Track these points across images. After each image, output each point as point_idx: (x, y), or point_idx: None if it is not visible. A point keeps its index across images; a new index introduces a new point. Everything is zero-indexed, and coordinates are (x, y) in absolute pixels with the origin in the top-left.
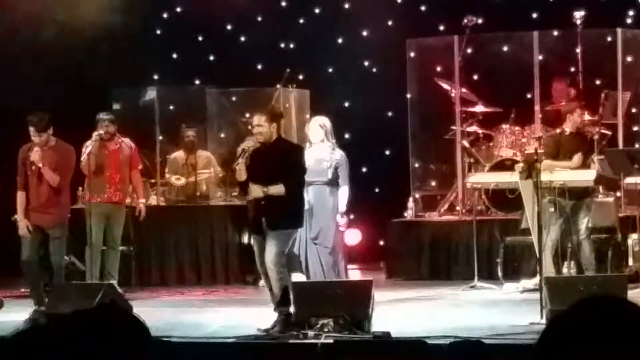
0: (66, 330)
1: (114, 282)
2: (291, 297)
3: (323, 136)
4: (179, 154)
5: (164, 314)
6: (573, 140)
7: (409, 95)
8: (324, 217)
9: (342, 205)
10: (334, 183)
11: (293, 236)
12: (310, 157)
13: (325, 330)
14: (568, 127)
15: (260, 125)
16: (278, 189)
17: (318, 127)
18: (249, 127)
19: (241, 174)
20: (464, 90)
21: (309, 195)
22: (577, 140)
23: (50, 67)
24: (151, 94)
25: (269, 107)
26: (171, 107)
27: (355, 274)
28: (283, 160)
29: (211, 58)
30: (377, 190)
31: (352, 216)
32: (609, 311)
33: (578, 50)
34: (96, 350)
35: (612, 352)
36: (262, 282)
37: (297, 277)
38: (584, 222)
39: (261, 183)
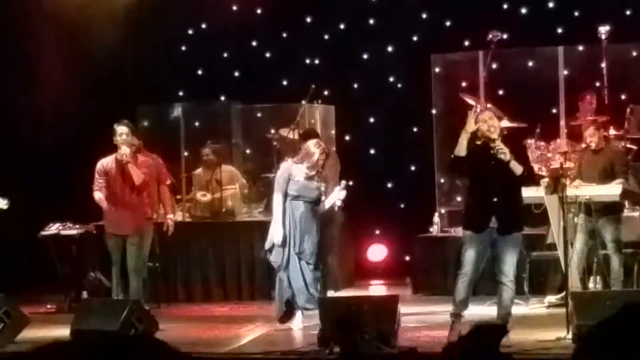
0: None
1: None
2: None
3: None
4: (201, 171)
5: (190, 330)
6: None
7: (434, 111)
8: (312, 234)
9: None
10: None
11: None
12: (302, 172)
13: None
14: (594, 143)
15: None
16: (517, 167)
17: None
18: (274, 142)
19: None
20: (489, 105)
21: (300, 209)
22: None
23: (78, 84)
24: (176, 110)
25: None
26: (196, 124)
27: (381, 289)
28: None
29: (236, 74)
30: (402, 205)
31: (377, 231)
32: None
33: (603, 65)
34: None
35: None
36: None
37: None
38: (612, 237)
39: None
